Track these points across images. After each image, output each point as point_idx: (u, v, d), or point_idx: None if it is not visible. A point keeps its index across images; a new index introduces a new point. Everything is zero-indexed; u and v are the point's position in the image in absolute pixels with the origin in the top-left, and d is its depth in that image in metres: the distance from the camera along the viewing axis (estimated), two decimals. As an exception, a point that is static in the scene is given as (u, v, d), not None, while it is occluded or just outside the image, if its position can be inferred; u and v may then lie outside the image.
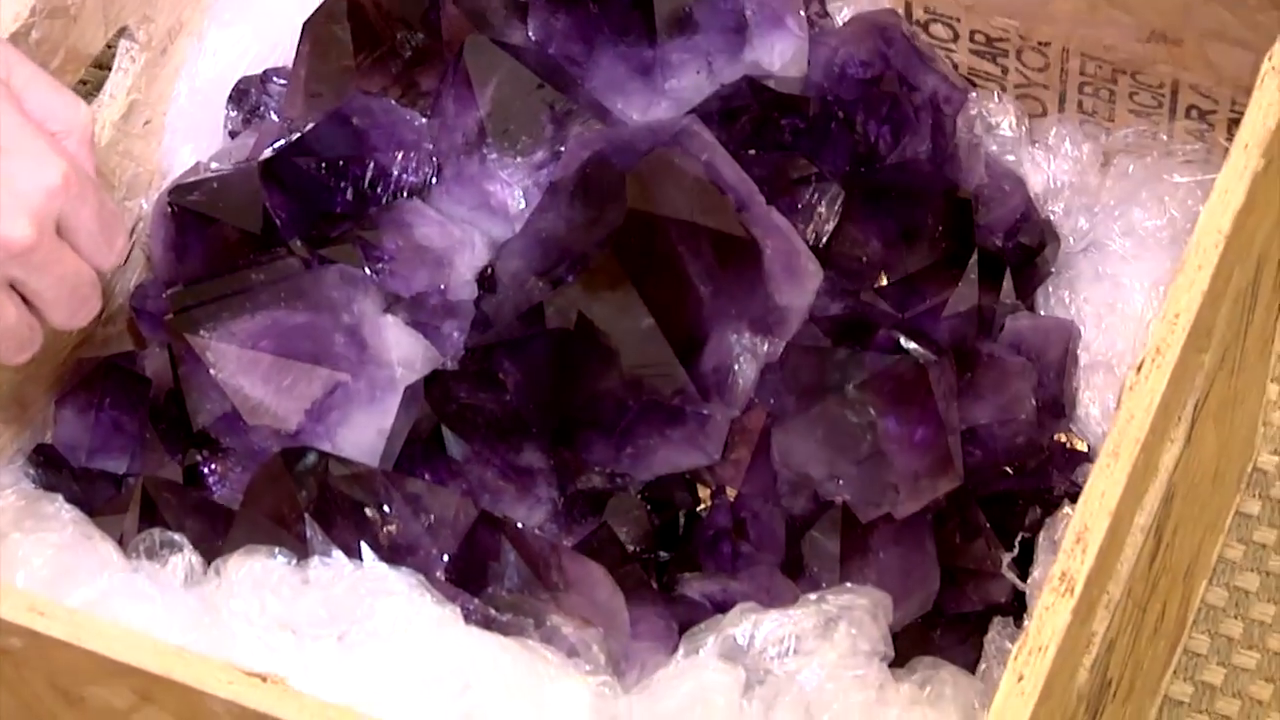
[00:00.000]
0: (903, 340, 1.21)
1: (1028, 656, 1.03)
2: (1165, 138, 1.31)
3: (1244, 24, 1.25)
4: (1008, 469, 1.26)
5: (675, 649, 1.15)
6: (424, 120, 1.26)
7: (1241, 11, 1.24)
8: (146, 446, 1.26)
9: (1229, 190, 1.14)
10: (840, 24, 1.31)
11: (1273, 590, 1.41)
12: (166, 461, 1.25)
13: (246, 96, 1.33)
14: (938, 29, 1.32)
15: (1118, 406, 1.10)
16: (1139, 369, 1.10)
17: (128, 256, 1.33)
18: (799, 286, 1.21)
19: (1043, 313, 1.31)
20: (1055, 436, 1.27)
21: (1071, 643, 1.06)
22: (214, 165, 1.29)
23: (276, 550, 1.12)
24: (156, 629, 1.09)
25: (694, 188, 1.19)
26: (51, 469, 1.28)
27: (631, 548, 1.19)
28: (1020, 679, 1.02)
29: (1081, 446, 1.28)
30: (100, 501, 1.27)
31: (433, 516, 1.14)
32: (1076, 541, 1.06)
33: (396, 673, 1.09)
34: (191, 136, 1.33)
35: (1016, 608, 1.23)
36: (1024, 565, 1.24)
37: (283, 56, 1.33)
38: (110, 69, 1.30)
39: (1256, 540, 1.43)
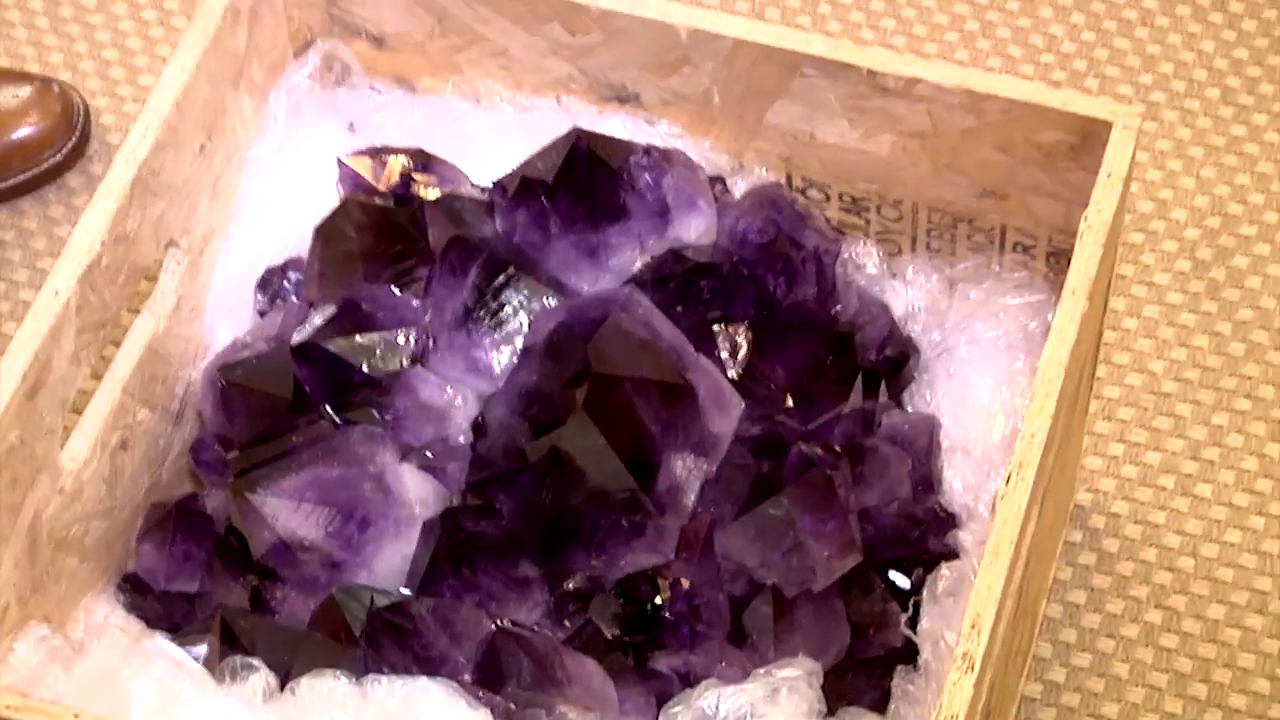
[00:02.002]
0: (811, 453, 1.21)
1: (943, 725, 1.03)
2: (997, 268, 1.31)
3: (1055, 181, 1.25)
4: (893, 539, 1.26)
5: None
6: (419, 302, 1.24)
7: (1052, 172, 1.24)
8: (213, 572, 1.25)
9: (1064, 330, 1.14)
10: (738, 196, 1.30)
11: (1097, 603, 1.42)
12: (231, 585, 1.23)
13: (270, 283, 1.31)
14: (814, 193, 1.32)
15: (991, 513, 1.10)
16: (1007, 481, 1.11)
17: (180, 415, 1.31)
18: (726, 416, 1.21)
19: (910, 410, 1.30)
20: (927, 508, 1.27)
21: (973, 706, 1.06)
22: (248, 340, 1.28)
23: (339, 672, 1.11)
24: (251, 747, 1.08)
25: (639, 346, 1.19)
26: (137, 593, 1.27)
27: (611, 634, 1.19)
28: (939, 744, 1.03)
29: (948, 514, 1.28)
30: (178, 617, 1.26)
31: (458, 632, 1.14)
32: (972, 627, 1.07)
33: (444, 767, 1.08)
34: (227, 317, 1.31)
35: (910, 651, 1.23)
36: (913, 616, 1.24)
37: (297, 249, 1.31)
38: (161, 271, 1.28)
39: (1081, 563, 1.44)
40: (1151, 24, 1.66)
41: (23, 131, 1.49)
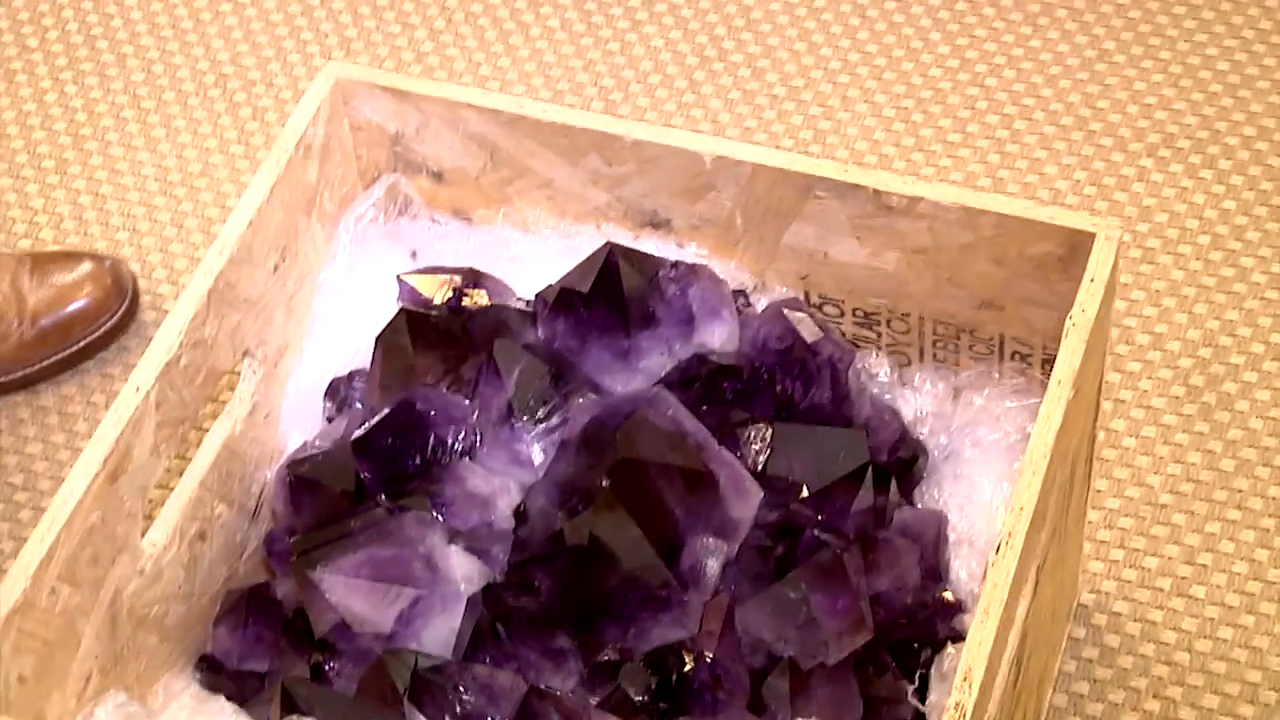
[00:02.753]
0: (823, 537, 1.20)
1: (937, 768, 1.01)
2: (997, 375, 1.31)
3: (1047, 292, 1.24)
4: (903, 621, 1.24)
5: (679, 779, 1.13)
6: (467, 402, 1.24)
7: (1045, 283, 1.24)
8: (282, 652, 1.24)
9: (1050, 415, 1.13)
10: (759, 309, 1.30)
11: (1099, 693, 1.39)
12: (298, 662, 1.23)
13: (337, 391, 1.32)
14: (829, 308, 1.32)
15: (984, 578, 1.08)
16: (998, 550, 1.09)
17: (257, 511, 1.31)
18: (745, 503, 1.20)
19: (919, 506, 1.29)
20: (936, 595, 1.26)
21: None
22: (317, 443, 1.28)
23: (385, 727, 1.10)
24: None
25: (665, 437, 1.18)
26: (212, 672, 1.27)
27: (639, 699, 1.17)
28: (933, 785, 1.01)
29: (955, 600, 1.26)
30: (250, 694, 1.25)
31: (495, 693, 1.12)
32: (964, 679, 1.05)
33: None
34: (299, 422, 1.32)
35: (919, 724, 1.21)
36: (921, 692, 1.22)
37: (362, 360, 1.32)
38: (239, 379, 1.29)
39: (1085, 656, 1.41)
40: (1147, 180, 1.66)
41: (79, 303, 1.57)
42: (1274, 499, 1.47)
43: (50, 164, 1.73)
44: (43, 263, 1.60)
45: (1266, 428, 1.51)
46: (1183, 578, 1.44)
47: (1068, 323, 1.16)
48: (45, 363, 1.58)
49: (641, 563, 1.17)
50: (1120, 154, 1.68)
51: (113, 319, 1.59)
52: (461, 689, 1.12)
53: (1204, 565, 1.45)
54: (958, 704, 1.03)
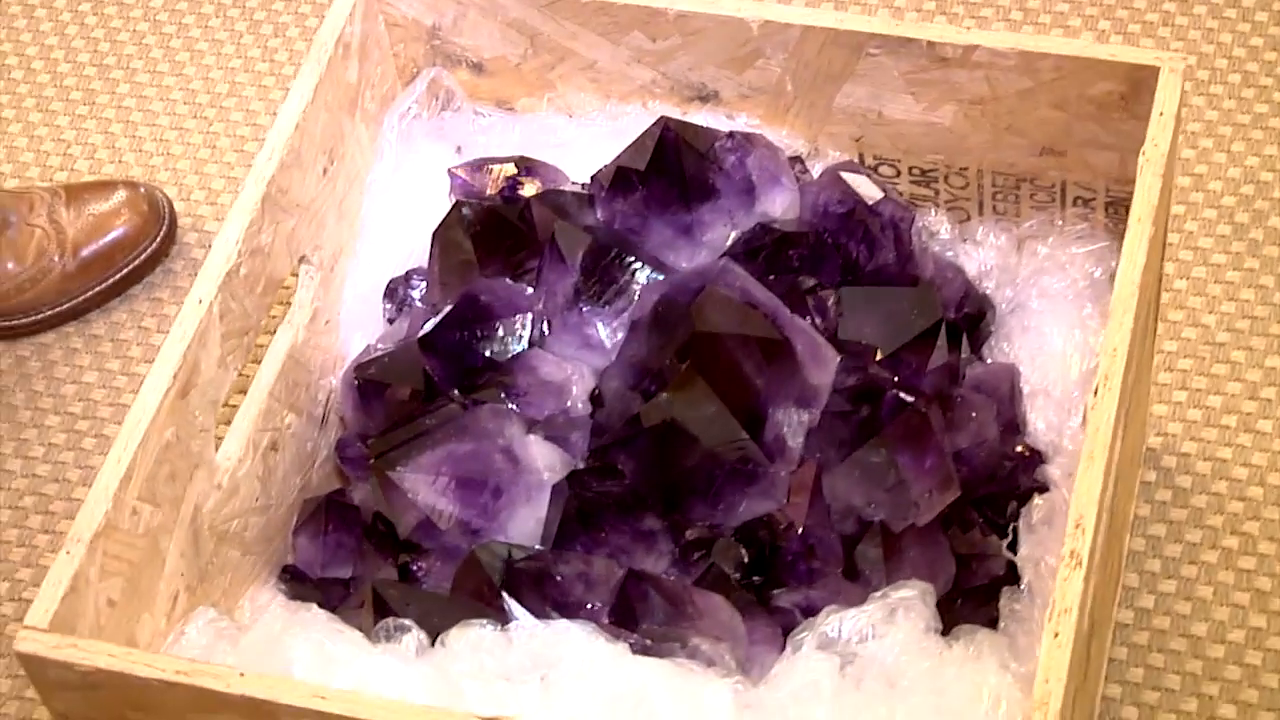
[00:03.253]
0: (905, 397, 1.11)
1: (1058, 618, 0.93)
2: (1060, 223, 1.22)
3: (1110, 133, 1.16)
4: (986, 477, 1.16)
5: (783, 648, 1.05)
6: (530, 290, 1.16)
7: (1107, 124, 1.15)
8: (365, 556, 1.16)
9: (1133, 253, 1.05)
10: (816, 175, 1.21)
11: (1176, 534, 1.31)
12: (382, 565, 1.15)
13: (396, 293, 1.23)
14: (884, 169, 1.23)
15: (1084, 423, 1.00)
16: (1095, 393, 1.01)
17: (325, 419, 1.23)
18: (823, 369, 1.11)
19: (990, 361, 1.21)
20: (1015, 448, 1.18)
21: (1084, 600, 0.96)
22: (379, 346, 1.20)
23: (484, 621, 1.02)
24: (408, 694, 0.98)
25: (738, 310, 1.10)
26: (296, 582, 1.18)
27: (734, 576, 1.09)
28: (1056, 635, 0.93)
29: (1035, 452, 1.18)
30: (336, 601, 1.17)
31: (592, 579, 1.04)
32: (1076, 526, 0.97)
33: (589, 699, 0.99)
34: (360, 326, 1.23)
35: (1013, 577, 1.13)
36: (1012, 545, 1.14)
37: (418, 260, 1.23)
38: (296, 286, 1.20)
39: (1158, 499, 1.33)
40: (1164, 11, 1.57)
41: (118, 231, 1.48)
42: (1331, 328, 1.39)
43: (78, 95, 1.64)
44: (77, 193, 1.51)
45: (1316, 259, 1.43)
46: (1247, 413, 1.36)
47: (1141, 159, 1.07)
48: (91, 292, 1.50)
49: (726, 438, 1.08)
50: None
51: (153, 244, 1.50)
52: (558, 578, 1.03)
53: (1268, 399, 1.37)
54: (1073, 552, 0.95)
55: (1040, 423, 1.18)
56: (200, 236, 1.54)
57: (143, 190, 1.51)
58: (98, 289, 1.49)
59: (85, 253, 1.48)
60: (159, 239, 1.50)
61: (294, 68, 1.63)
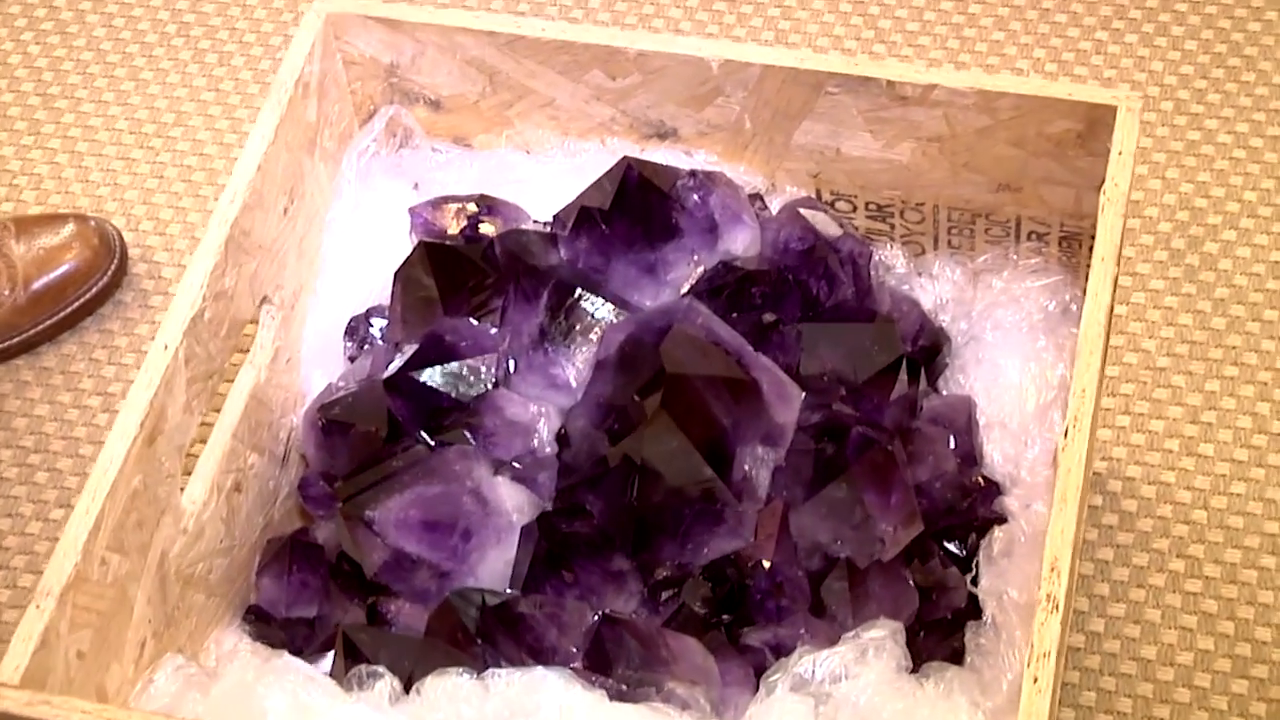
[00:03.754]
0: (867, 433, 1.08)
1: (1038, 662, 0.90)
2: (1014, 257, 1.19)
3: (1066, 169, 1.13)
4: (944, 509, 1.13)
5: (756, 689, 1.02)
6: (496, 330, 1.11)
7: (1063, 160, 1.12)
8: (330, 596, 1.12)
9: (1099, 293, 1.02)
10: (775, 212, 1.17)
11: (1124, 558, 1.29)
12: (348, 605, 1.10)
13: (357, 330, 1.18)
14: (841, 204, 1.20)
15: (1054, 465, 0.97)
16: (1065, 434, 0.98)
17: (286, 457, 1.18)
18: (788, 406, 1.08)
19: (946, 393, 1.18)
20: (973, 479, 1.14)
21: (1061, 644, 0.93)
22: (341, 384, 1.15)
23: (460, 670, 0.98)
24: (386, 746, 0.94)
25: (705, 350, 1.06)
26: (261, 623, 1.14)
27: (703, 613, 1.05)
28: (1035, 680, 0.90)
29: (992, 483, 1.15)
30: (301, 641, 1.12)
31: (565, 623, 1.00)
32: (1051, 569, 0.94)
33: (568, 747, 0.95)
34: (320, 364, 1.19)
35: (974, 610, 1.10)
36: (974, 577, 1.11)
37: (377, 297, 1.18)
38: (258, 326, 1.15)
39: (1105, 523, 1.31)
40: (1104, 51, 1.55)
41: (69, 264, 1.43)
42: (1268, 352, 1.37)
43: (23, 125, 1.58)
44: (27, 225, 1.45)
45: (1251, 283, 1.41)
46: (1189, 437, 1.34)
47: (1102, 198, 1.04)
48: (41, 326, 1.44)
49: (693, 477, 1.04)
50: (1078, 28, 1.56)
51: (104, 277, 1.45)
52: (532, 624, 0.99)
53: (1209, 423, 1.34)
54: (1049, 595, 0.92)
55: (997, 454, 1.15)
56: (150, 267, 1.49)
57: (93, 224, 1.45)
58: (48, 323, 1.44)
59: (36, 286, 1.43)
60: (110, 273, 1.45)
61: (239, 97, 1.58)
